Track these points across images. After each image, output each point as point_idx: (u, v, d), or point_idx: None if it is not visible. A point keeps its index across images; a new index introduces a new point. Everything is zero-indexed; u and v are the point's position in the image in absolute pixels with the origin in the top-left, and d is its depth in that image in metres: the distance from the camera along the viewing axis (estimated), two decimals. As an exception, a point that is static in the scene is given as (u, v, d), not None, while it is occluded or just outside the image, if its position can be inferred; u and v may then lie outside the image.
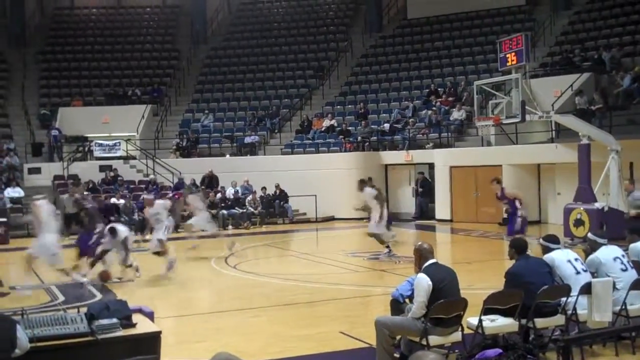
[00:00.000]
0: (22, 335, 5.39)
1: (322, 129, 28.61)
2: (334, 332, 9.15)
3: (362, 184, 16.71)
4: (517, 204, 14.80)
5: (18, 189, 24.48)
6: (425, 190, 25.63)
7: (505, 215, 17.49)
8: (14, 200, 23.78)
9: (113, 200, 23.83)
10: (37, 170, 26.67)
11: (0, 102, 31.28)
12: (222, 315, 10.61)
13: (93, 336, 5.84)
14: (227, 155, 28.20)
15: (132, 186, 26.38)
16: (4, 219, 21.72)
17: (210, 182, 26.19)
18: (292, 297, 11.90)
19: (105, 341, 5.87)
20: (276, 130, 29.86)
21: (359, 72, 32.68)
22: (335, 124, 28.62)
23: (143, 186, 26.25)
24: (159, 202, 15.44)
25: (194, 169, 26.60)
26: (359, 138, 27.37)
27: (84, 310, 6.07)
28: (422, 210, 25.75)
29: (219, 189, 25.89)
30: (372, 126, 28.03)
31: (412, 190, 26.51)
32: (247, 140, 28.52)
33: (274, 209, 25.72)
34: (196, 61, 35.47)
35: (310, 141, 28.07)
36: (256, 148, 28.42)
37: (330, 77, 32.86)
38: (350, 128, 28.20)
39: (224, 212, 24.66)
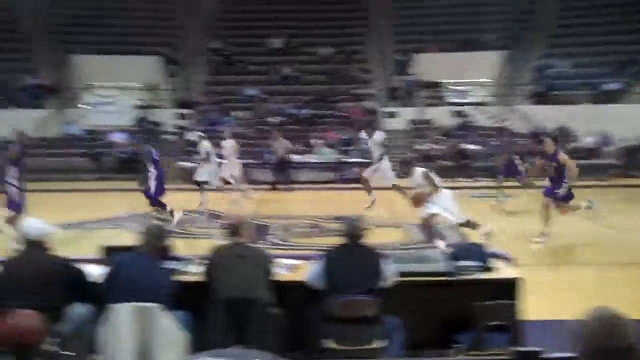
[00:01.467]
0: (390, 268, 5.71)
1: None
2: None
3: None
4: None
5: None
6: None
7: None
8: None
9: (465, 145, 24.12)
10: (392, 115, 27.86)
11: (359, 48, 33.06)
12: (579, 268, 10.38)
13: (454, 276, 5.99)
14: (584, 103, 26.72)
15: (483, 132, 26.36)
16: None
17: (562, 132, 25.17)
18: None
19: (465, 282, 5.98)
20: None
21: None
22: None
23: (494, 132, 26.08)
24: None
25: (547, 116, 25.67)
26: None
27: (446, 250, 6.22)
28: None
29: (571, 138, 24.79)
30: None
31: None
32: (608, 87, 26.71)
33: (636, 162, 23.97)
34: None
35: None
36: (617, 96, 26.52)
37: None
38: None
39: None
